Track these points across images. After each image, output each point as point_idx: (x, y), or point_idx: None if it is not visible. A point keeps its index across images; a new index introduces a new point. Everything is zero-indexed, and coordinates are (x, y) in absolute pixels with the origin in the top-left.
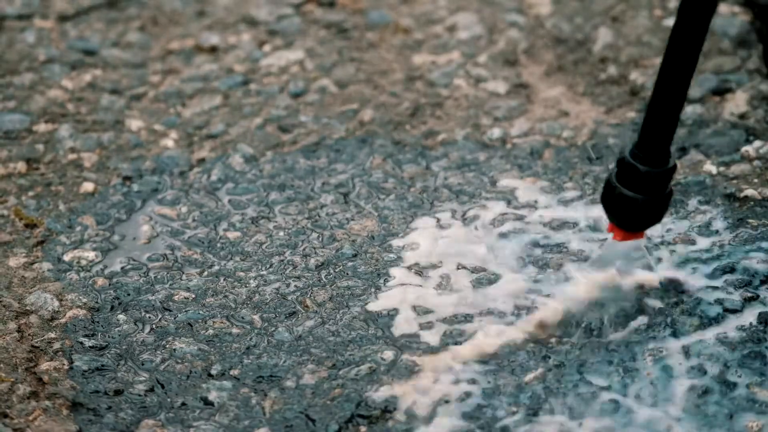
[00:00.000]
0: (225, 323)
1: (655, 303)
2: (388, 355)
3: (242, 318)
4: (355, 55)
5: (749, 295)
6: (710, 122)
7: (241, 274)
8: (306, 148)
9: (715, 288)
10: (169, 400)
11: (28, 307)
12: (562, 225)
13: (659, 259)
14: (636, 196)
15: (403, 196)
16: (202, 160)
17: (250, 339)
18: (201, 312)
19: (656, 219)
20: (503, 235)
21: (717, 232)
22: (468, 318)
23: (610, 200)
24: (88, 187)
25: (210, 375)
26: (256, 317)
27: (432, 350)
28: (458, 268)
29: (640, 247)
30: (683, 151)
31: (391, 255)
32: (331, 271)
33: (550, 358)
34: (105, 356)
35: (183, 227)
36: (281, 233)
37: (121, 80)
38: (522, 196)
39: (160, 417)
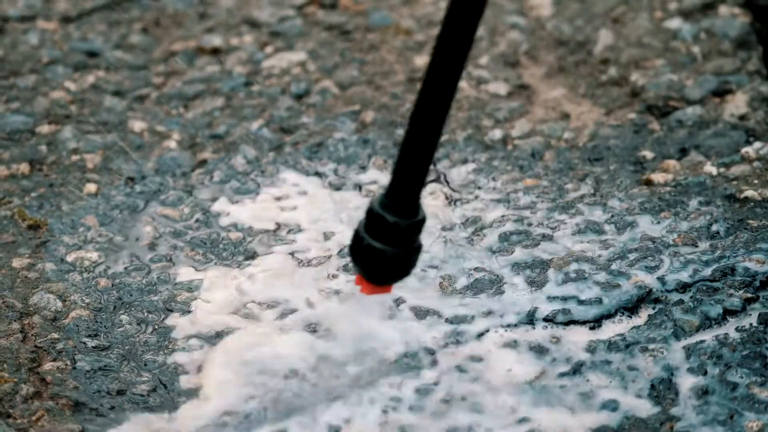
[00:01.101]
0: None
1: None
2: None
3: (249, 314)
4: (357, 56)
5: (749, 296)
6: (710, 123)
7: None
8: (308, 149)
9: (716, 289)
10: (171, 400)
11: (31, 308)
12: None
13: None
14: (384, 248)
15: None
16: (204, 162)
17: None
18: None
19: (405, 272)
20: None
21: (717, 233)
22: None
23: (358, 252)
24: (91, 188)
25: None
26: (257, 310)
27: None
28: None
29: (386, 302)
30: (683, 152)
31: None
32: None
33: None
34: (108, 356)
35: (185, 228)
36: None
37: (123, 82)
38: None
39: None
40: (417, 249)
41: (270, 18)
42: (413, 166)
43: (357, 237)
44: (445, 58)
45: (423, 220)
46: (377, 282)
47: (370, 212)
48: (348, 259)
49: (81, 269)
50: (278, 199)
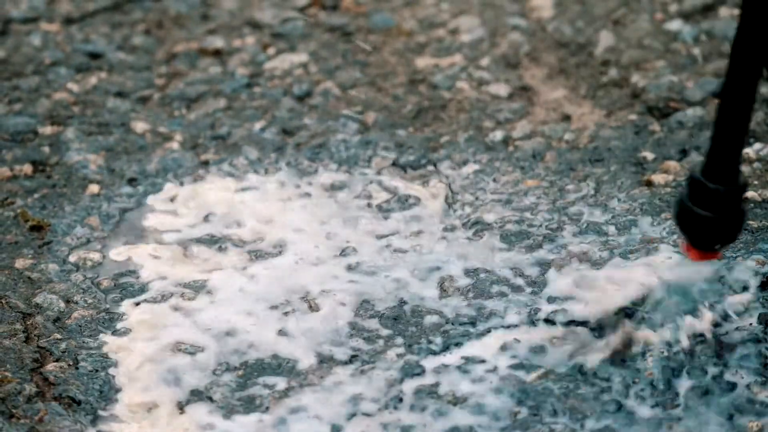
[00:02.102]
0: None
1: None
2: None
3: (252, 313)
4: (359, 58)
5: (749, 296)
6: (711, 124)
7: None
8: (310, 150)
9: (716, 289)
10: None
11: (34, 308)
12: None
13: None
14: (709, 214)
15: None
16: (206, 162)
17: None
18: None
19: (731, 238)
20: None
21: None
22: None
23: (684, 219)
24: (94, 188)
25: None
26: (260, 310)
27: None
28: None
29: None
30: (684, 153)
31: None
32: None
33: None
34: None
35: (189, 228)
36: None
37: (126, 83)
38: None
39: None
40: (741, 213)
41: (272, 20)
42: (731, 133)
43: (682, 205)
44: (757, 18)
45: (744, 186)
46: (704, 248)
47: (692, 180)
48: (350, 258)
49: (84, 269)
50: (280, 199)
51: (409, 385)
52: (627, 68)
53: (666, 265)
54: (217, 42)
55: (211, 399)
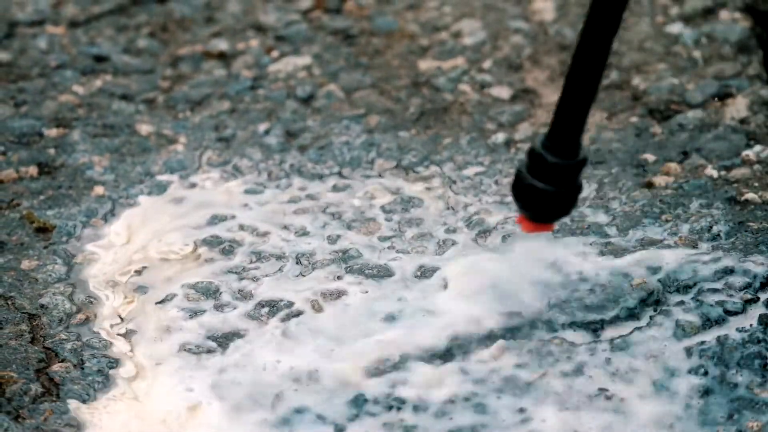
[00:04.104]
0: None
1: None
2: None
3: (255, 315)
4: (362, 61)
5: (749, 297)
6: (711, 127)
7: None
8: (313, 152)
9: (716, 290)
10: None
11: (40, 309)
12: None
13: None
14: (546, 187)
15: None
16: (210, 164)
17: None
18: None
19: (565, 211)
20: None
21: (718, 235)
22: None
23: (519, 191)
24: (99, 190)
25: None
26: (264, 312)
27: None
28: None
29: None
30: (685, 155)
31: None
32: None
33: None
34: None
35: (194, 230)
36: (291, 236)
37: (131, 85)
38: None
39: None
40: (577, 188)
41: (276, 23)
42: (574, 107)
43: (519, 176)
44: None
45: (584, 161)
46: (539, 220)
47: (532, 152)
48: (353, 260)
49: (89, 270)
50: (283, 201)
51: (412, 388)
52: (628, 71)
53: (667, 264)
54: (222, 45)
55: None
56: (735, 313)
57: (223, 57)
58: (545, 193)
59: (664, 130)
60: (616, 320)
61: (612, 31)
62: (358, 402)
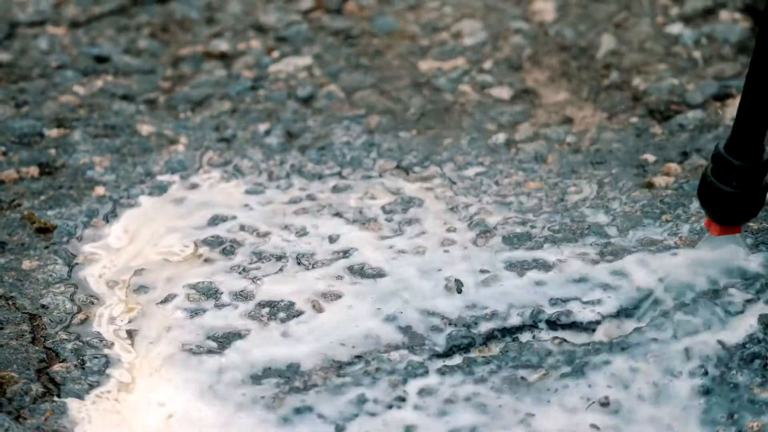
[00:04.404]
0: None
1: (657, 304)
2: None
3: (256, 315)
4: (362, 61)
5: (750, 297)
6: (711, 127)
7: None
8: (314, 152)
9: (716, 290)
10: None
11: (41, 309)
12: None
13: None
14: (731, 190)
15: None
16: (211, 165)
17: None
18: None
19: (753, 213)
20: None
21: None
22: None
23: (706, 195)
24: (100, 190)
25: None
26: (264, 312)
27: None
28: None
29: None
30: (685, 155)
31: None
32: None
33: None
34: None
35: (195, 230)
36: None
37: (132, 86)
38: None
39: None
40: (764, 188)
41: (276, 23)
42: (756, 110)
43: (705, 181)
44: None
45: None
46: (726, 223)
47: (717, 156)
48: (353, 260)
49: (90, 270)
50: (284, 201)
51: (413, 386)
52: (628, 71)
53: (667, 265)
54: (222, 45)
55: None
56: (735, 314)
57: (224, 57)
58: (732, 195)
59: (665, 130)
60: (616, 320)
61: None
62: (359, 401)
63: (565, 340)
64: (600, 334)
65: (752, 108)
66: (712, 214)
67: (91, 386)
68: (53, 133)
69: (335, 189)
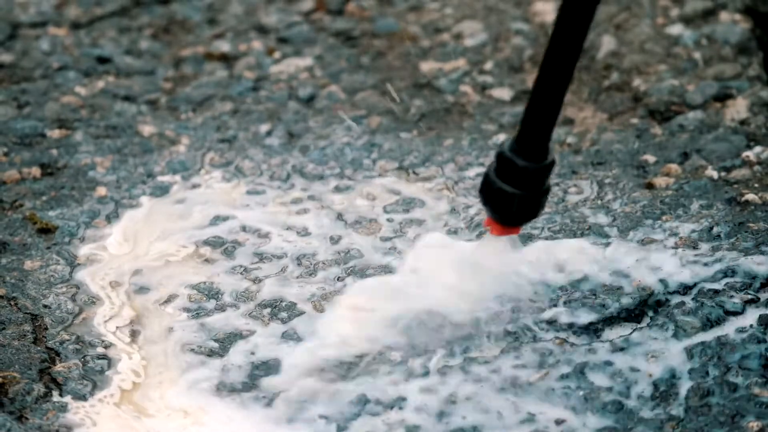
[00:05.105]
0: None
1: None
2: None
3: (257, 315)
4: (363, 62)
5: (749, 297)
6: (711, 128)
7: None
8: (315, 153)
9: (717, 291)
10: None
11: (43, 309)
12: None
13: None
14: (514, 191)
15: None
16: (213, 165)
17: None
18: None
19: (533, 215)
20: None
21: (718, 236)
22: None
23: (488, 194)
24: (101, 191)
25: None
26: (266, 313)
27: None
28: None
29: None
30: (685, 156)
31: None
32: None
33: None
34: None
35: (196, 230)
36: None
37: (133, 87)
38: None
39: None
40: (545, 192)
41: (278, 24)
42: (542, 111)
43: (487, 180)
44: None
45: (552, 164)
46: (507, 224)
47: (501, 156)
48: (354, 260)
49: (92, 270)
50: (285, 202)
51: (414, 386)
52: (629, 72)
53: (667, 266)
54: (224, 46)
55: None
56: (735, 314)
57: (225, 58)
58: (514, 196)
59: (665, 131)
60: (616, 321)
61: (581, 35)
62: (361, 401)
63: (565, 340)
64: (601, 335)
65: (540, 107)
66: (494, 215)
67: (93, 387)
68: (55, 133)
69: (336, 189)
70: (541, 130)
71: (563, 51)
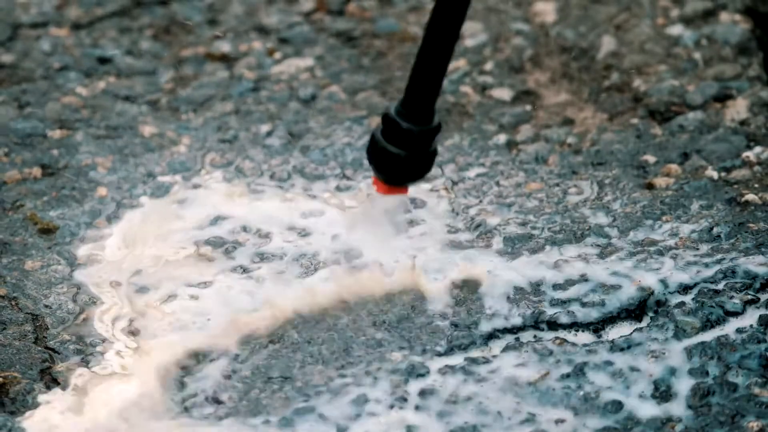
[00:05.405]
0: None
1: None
2: None
3: (257, 316)
4: (364, 62)
5: (749, 297)
6: (711, 128)
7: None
8: (315, 153)
9: (717, 291)
10: None
11: (43, 309)
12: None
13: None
14: (398, 151)
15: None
16: (213, 165)
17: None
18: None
19: (419, 175)
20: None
21: (718, 236)
22: None
23: (373, 154)
24: (102, 191)
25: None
26: (266, 313)
27: None
28: None
29: (404, 202)
30: (685, 156)
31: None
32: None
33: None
34: None
35: (196, 231)
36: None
37: (134, 87)
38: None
39: None
40: (432, 153)
41: (278, 24)
42: (428, 75)
43: (373, 140)
44: None
45: (437, 128)
46: (392, 183)
47: (386, 117)
48: (355, 261)
49: (93, 270)
50: (286, 202)
51: (414, 386)
52: (629, 72)
53: (667, 266)
54: (224, 47)
55: (217, 401)
56: (735, 314)
57: (226, 59)
58: (398, 157)
59: (665, 131)
60: (616, 321)
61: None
62: (360, 401)
63: (565, 341)
64: (601, 335)
65: (424, 72)
66: (380, 174)
67: (94, 386)
68: (56, 134)
69: (337, 189)
70: (425, 95)
71: (446, 16)
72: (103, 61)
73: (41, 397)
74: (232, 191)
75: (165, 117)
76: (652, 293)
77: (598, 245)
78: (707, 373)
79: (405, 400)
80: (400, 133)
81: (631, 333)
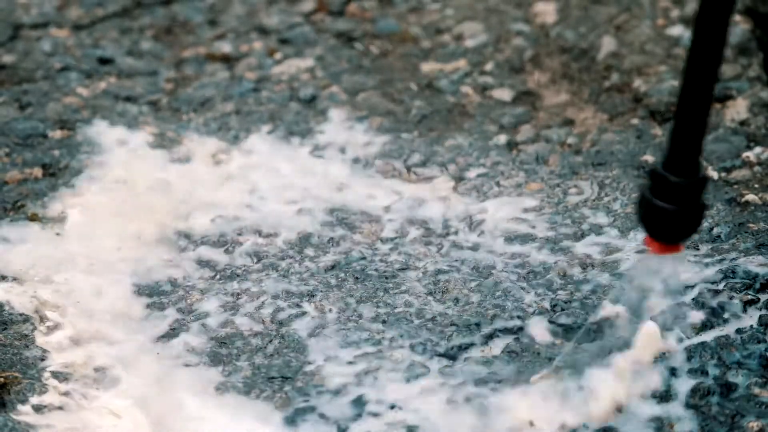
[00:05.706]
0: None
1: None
2: None
3: (256, 318)
4: (364, 63)
5: (749, 298)
6: (711, 128)
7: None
8: (316, 153)
9: (717, 291)
10: None
11: (44, 308)
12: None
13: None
14: (669, 207)
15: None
16: (214, 165)
17: (261, 339)
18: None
19: (692, 230)
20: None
21: (718, 236)
22: None
23: (645, 213)
24: None
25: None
26: (266, 316)
27: None
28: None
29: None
30: None
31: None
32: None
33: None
34: None
35: (195, 230)
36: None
37: (135, 88)
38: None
39: None
40: (702, 207)
41: (279, 25)
42: (690, 127)
43: (642, 199)
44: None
45: (705, 179)
46: (666, 241)
47: (654, 173)
48: (356, 261)
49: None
50: (286, 202)
51: (414, 386)
52: (629, 73)
53: (667, 266)
54: (225, 47)
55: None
56: (735, 314)
57: (227, 59)
58: (670, 213)
59: (665, 131)
60: (616, 320)
61: (720, 47)
62: (360, 402)
63: (566, 341)
64: (601, 335)
65: (689, 121)
66: (651, 233)
67: (95, 386)
68: (57, 134)
69: (338, 190)
70: (690, 146)
71: (705, 65)
72: (104, 61)
73: (42, 397)
74: (232, 191)
75: (166, 117)
76: (653, 293)
77: (598, 245)
78: (707, 373)
79: (405, 400)
80: (670, 187)
81: (631, 333)
